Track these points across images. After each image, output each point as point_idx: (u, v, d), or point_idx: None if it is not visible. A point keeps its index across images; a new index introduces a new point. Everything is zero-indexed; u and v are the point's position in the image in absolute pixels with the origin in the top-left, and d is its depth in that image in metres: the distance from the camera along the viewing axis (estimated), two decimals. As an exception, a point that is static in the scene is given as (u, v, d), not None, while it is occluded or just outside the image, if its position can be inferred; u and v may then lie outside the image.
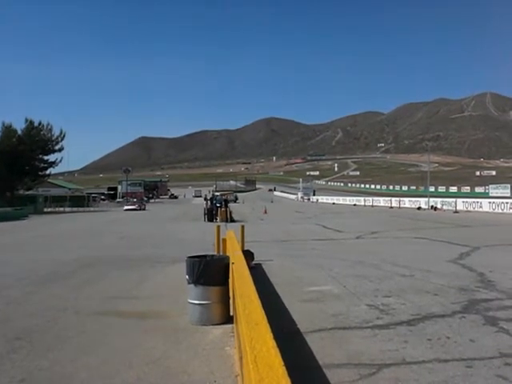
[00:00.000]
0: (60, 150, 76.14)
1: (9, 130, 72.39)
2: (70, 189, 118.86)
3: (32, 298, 11.34)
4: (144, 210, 74.48)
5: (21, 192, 76.00)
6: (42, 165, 76.73)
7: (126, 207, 75.25)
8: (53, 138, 75.12)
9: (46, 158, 76.60)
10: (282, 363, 2.89)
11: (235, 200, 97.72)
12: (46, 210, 74.92)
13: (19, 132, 72.87)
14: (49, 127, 75.08)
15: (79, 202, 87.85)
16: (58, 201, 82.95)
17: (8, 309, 10.18)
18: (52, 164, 77.45)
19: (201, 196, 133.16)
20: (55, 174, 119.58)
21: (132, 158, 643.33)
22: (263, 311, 4.21)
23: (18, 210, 56.80)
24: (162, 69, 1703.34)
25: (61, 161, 77.82)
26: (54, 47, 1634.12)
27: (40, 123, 74.66)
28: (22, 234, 32.93)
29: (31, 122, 73.89)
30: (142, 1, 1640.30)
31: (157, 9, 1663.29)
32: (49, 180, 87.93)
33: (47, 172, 79.24)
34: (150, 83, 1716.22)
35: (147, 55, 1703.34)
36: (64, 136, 75.89)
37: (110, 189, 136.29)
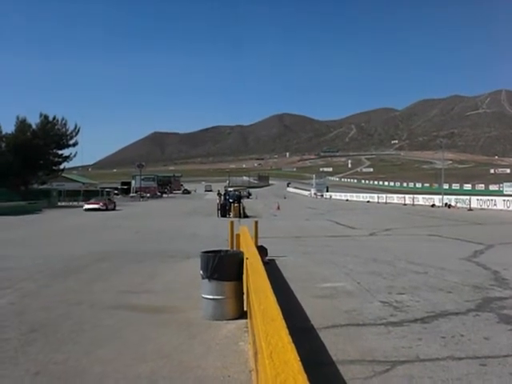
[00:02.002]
0: (74, 144, 76.50)
1: (23, 124, 72.76)
2: (83, 183, 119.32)
3: (46, 291, 11.40)
4: (113, 209, 57.82)
5: (35, 186, 76.32)
6: (57, 159, 77.02)
7: (86, 206, 56.47)
8: (67, 133, 75.42)
9: (60, 152, 76.93)
10: (298, 358, 2.89)
11: (248, 196, 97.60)
12: (59, 204, 75.22)
13: (34, 126, 73.22)
14: (63, 122, 75.47)
15: (93, 196, 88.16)
16: (72, 195, 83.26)
17: (22, 302, 10.24)
18: (66, 158, 77.77)
19: (211, 190, 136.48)
20: (69, 169, 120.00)
21: (145, 153, 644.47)
22: (278, 307, 4.22)
23: (31, 203, 57.07)
24: (175, 64, 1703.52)
25: (75, 155, 78.30)
26: (68, 42, 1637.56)
27: (54, 118, 75.04)
28: (36, 228, 33.09)
29: (46, 117, 74.20)
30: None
31: (170, 4, 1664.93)
32: (63, 174, 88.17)
33: (61, 166, 79.55)
34: (164, 78, 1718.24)
35: (161, 50, 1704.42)
36: (78, 131, 76.26)
37: (123, 183, 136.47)
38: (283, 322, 3.70)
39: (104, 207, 55.72)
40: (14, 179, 68.95)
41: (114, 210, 57.39)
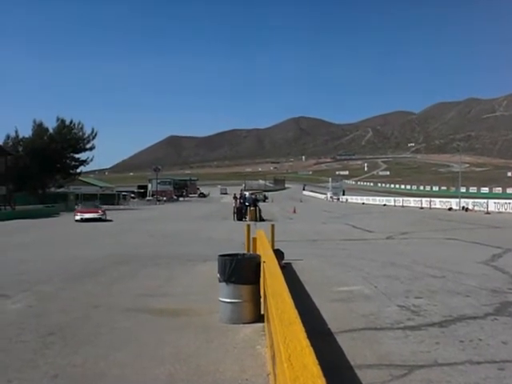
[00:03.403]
0: (91, 148, 77.14)
1: (40, 128, 73.38)
2: (100, 187, 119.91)
3: (64, 294, 11.47)
4: (104, 220, 43.36)
5: (52, 190, 76.80)
6: (74, 163, 77.62)
7: (78, 216, 42.64)
8: (84, 137, 76.00)
9: (77, 156, 77.49)
10: (317, 362, 2.89)
11: (264, 199, 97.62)
12: (76, 207, 75.62)
13: (50, 130, 73.77)
14: (80, 126, 76.10)
15: (109, 199, 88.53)
16: (89, 199, 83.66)
17: (41, 304, 10.32)
18: (83, 162, 78.39)
19: (227, 193, 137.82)
20: (86, 172, 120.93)
21: (162, 156, 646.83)
22: (296, 310, 4.22)
23: (49, 207, 57.57)
24: (192, 67, 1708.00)
25: (92, 159, 78.85)
26: (83, 45, 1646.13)
27: (71, 122, 75.72)
28: (53, 231, 33.33)
29: (63, 121, 74.86)
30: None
31: (186, 5, 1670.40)
32: (80, 178, 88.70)
33: (78, 170, 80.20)
34: (180, 81, 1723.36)
35: (176, 53, 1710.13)
36: (96, 135, 76.92)
37: (140, 187, 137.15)
38: (301, 325, 3.71)
39: (99, 217, 43.23)
40: (32, 183, 69.46)
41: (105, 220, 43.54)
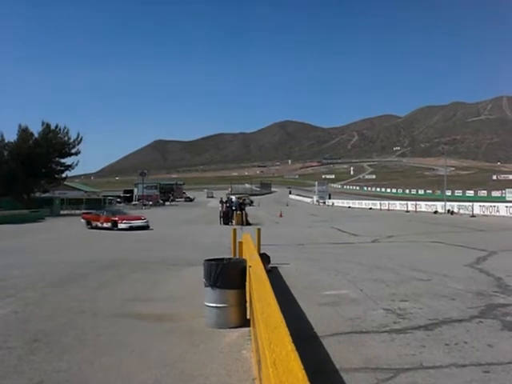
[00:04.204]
0: (77, 153, 76.59)
1: (25, 133, 72.85)
2: (86, 191, 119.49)
3: (49, 299, 11.41)
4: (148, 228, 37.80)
5: (37, 194, 76.32)
6: (59, 168, 77.09)
7: (124, 225, 36.91)
8: (69, 142, 75.55)
9: (62, 161, 76.96)
10: (302, 367, 2.89)
11: (250, 203, 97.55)
12: (62, 212, 75.23)
13: (36, 135, 73.34)
14: (65, 130, 75.60)
15: (95, 204, 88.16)
16: (75, 203, 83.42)
17: (26, 311, 10.25)
18: (68, 167, 77.86)
19: (213, 197, 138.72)
20: (72, 177, 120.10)
21: (148, 161, 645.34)
22: (281, 315, 4.22)
23: (34, 212, 57.16)
24: (177, 71, 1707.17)
25: (77, 164, 78.30)
26: (68, 50, 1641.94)
27: (57, 126, 75.18)
28: (39, 236, 33.10)
29: (48, 125, 74.34)
30: (153, 2, 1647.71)
31: (167, 10, 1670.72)
32: (65, 183, 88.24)
33: (64, 175, 79.61)
34: (165, 86, 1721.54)
35: (161, 57, 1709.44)
36: (81, 140, 76.41)
37: (126, 191, 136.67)
38: (286, 329, 3.70)
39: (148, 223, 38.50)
40: (17, 188, 69.00)
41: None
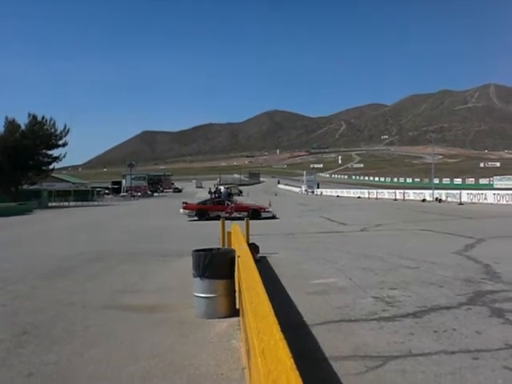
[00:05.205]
0: (64, 145, 76.13)
1: (12, 124, 72.35)
2: (74, 183, 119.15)
3: (38, 292, 11.36)
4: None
5: (25, 187, 75.91)
6: (46, 159, 76.63)
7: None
8: (56, 133, 75.10)
9: (49, 152, 76.53)
10: (290, 355, 2.88)
11: (239, 193, 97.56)
12: (50, 204, 74.91)
13: (22, 127, 72.87)
14: (52, 122, 75.12)
15: (83, 196, 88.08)
16: (63, 195, 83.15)
17: (14, 303, 10.20)
18: (56, 159, 77.43)
19: (202, 187, 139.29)
20: (59, 169, 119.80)
21: (136, 151, 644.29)
22: (270, 304, 4.21)
23: (22, 204, 56.88)
24: (164, 62, 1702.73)
25: (65, 156, 77.91)
26: (55, 42, 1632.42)
27: (43, 118, 74.68)
28: (27, 229, 32.97)
29: (34, 117, 73.85)
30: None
31: (158, 2, 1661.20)
32: (53, 174, 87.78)
33: (51, 167, 79.15)
34: (153, 77, 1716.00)
35: (149, 48, 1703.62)
36: (68, 131, 75.93)
37: (114, 183, 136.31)
38: (275, 318, 3.70)
39: None
40: (5, 180, 68.60)
41: None
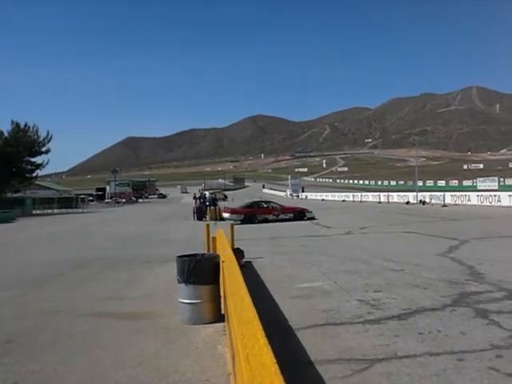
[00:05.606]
0: (47, 151, 75.95)
1: (-5, 132, 72.02)
2: (57, 190, 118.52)
3: (22, 300, 11.30)
4: None
5: (8, 195, 75.55)
6: (30, 167, 76.34)
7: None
8: (39, 140, 74.80)
9: (33, 159, 76.23)
10: (275, 361, 2.88)
11: (224, 198, 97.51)
12: (34, 212, 74.53)
13: (5, 134, 72.48)
14: (35, 129, 74.84)
15: (67, 203, 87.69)
16: (47, 203, 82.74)
17: (-2, 312, 10.14)
18: (39, 166, 77.16)
19: (187, 192, 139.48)
20: (43, 176, 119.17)
21: (120, 158, 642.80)
22: (254, 309, 4.21)
23: (5, 212, 56.48)
24: (148, 68, 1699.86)
25: (48, 163, 77.77)
26: (39, 48, 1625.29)
27: (26, 125, 74.45)
28: (10, 237, 32.79)
29: (17, 124, 73.56)
30: (129, 1, 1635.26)
31: (142, 10, 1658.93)
32: (36, 182, 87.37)
33: (35, 174, 78.82)
34: (136, 84, 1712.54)
35: (132, 55, 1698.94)
36: (51, 138, 75.72)
37: (98, 189, 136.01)
38: (259, 324, 3.69)
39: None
40: (-13, 188, 68.24)
41: None
